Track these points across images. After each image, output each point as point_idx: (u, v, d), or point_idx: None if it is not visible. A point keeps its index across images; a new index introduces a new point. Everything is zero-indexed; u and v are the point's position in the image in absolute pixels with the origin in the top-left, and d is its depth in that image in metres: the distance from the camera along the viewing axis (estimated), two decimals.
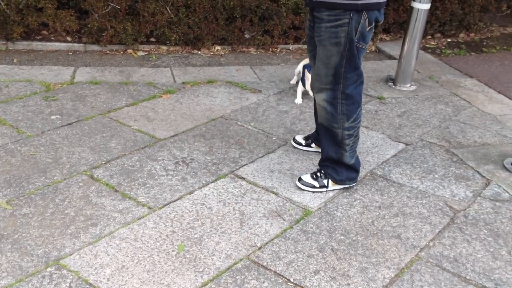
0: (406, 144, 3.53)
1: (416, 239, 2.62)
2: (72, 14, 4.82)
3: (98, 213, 2.67)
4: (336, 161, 2.90)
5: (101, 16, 4.81)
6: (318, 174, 2.96)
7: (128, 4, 4.82)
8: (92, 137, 3.38)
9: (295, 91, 4.20)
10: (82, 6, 4.85)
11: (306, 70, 4.09)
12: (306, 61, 4.29)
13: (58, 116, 3.61)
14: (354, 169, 2.96)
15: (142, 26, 4.93)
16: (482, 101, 4.29)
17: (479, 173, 3.22)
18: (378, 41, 5.67)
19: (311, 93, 4.07)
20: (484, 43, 5.96)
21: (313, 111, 3.82)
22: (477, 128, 3.80)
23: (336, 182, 2.94)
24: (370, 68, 4.87)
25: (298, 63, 4.44)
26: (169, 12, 4.96)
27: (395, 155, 3.39)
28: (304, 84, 4.10)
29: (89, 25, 4.84)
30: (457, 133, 3.71)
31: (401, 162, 3.31)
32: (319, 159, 3.23)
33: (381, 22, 2.77)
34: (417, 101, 4.22)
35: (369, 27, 2.67)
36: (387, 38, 5.80)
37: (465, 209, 2.87)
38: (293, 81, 4.49)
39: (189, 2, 4.94)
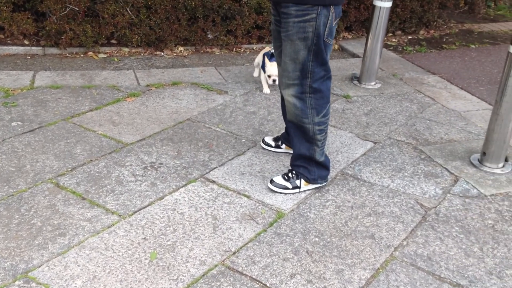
0: (375, 143, 3.55)
1: (389, 238, 2.63)
2: (29, 17, 4.67)
3: (66, 223, 2.59)
4: (308, 158, 2.89)
5: (59, 18, 4.68)
6: (290, 174, 2.94)
7: (87, 5, 4.70)
8: (56, 143, 3.27)
9: (258, 86, 4.18)
10: (39, 8, 4.71)
11: (265, 57, 4.09)
12: (263, 51, 4.29)
13: (19, 123, 3.49)
14: (324, 166, 2.96)
15: (102, 28, 4.82)
16: (446, 97, 4.36)
17: (447, 170, 3.26)
18: (341, 39, 5.70)
19: (270, 81, 4.08)
20: (444, 40, 6.07)
21: (280, 111, 3.80)
22: (443, 125, 3.85)
23: (308, 181, 2.93)
24: (334, 66, 4.89)
25: None
26: (130, 13, 4.86)
27: (364, 154, 3.41)
28: (265, 71, 4.09)
29: (47, 28, 4.70)
30: (424, 130, 3.75)
31: (371, 161, 3.32)
32: (289, 160, 3.22)
33: (339, 17, 2.77)
34: (382, 99, 4.25)
35: (335, 21, 2.67)
36: (350, 36, 5.83)
37: (436, 207, 2.90)
38: (255, 74, 4.48)
39: (149, 3, 4.86)
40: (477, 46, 5.89)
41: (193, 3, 4.91)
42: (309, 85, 2.73)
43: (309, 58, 2.67)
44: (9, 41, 4.85)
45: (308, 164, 2.91)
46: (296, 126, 2.86)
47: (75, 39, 4.76)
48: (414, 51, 5.59)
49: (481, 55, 5.50)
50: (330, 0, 2.57)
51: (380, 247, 2.56)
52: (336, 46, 5.57)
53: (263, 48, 5.30)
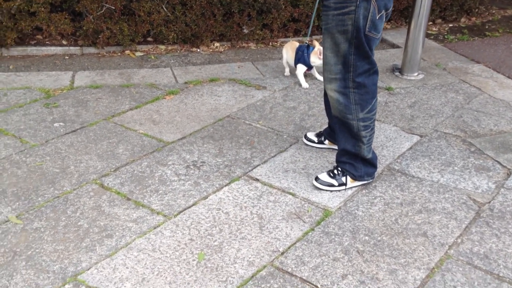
0: (421, 136, 3.44)
1: (443, 236, 2.54)
2: (66, 17, 4.69)
3: (112, 224, 2.57)
4: (354, 155, 2.81)
5: (96, 18, 4.69)
6: (335, 171, 2.87)
7: (122, 4, 4.69)
8: (98, 143, 3.27)
9: (297, 81, 4.12)
10: (75, 8, 4.73)
11: (303, 51, 4.01)
12: (288, 48, 4.21)
13: (61, 124, 3.50)
14: (371, 163, 2.88)
15: (138, 26, 4.81)
16: (493, 87, 4.21)
17: (499, 163, 3.13)
18: None
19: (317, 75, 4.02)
20: (486, 27, 5.88)
21: (322, 105, 3.73)
22: (491, 116, 3.72)
23: (355, 178, 2.86)
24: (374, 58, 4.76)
25: None
26: (165, 10, 4.84)
27: (410, 147, 3.31)
28: (306, 63, 4.01)
29: (84, 28, 4.71)
30: (472, 122, 3.62)
31: (418, 155, 3.22)
32: (333, 156, 3.15)
33: (390, 9, 2.67)
34: (426, 90, 4.13)
35: (379, 15, 2.58)
36: (388, 27, 5.70)
37: (489, 202, 2.79)
38: (286, 73, 4.40)
39: (185, 0, 4.82)
40: None
41: None
42: (352, 79, 2.65)
43: (351, 51, 2.59)
44: (47, 42, 4.89)
45: (354, 160, 2.83)
46: (340, 121, 2.79)
47: (112, 38, 4.77)
48: (456, 40, 5.43)
49: None
50: None
51: (433, 246, 2.47)
52: None
53: (299, 41, 5.22)
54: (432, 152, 3.25)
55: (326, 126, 3.49)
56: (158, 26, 4.86)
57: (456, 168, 3.09)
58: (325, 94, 3.10)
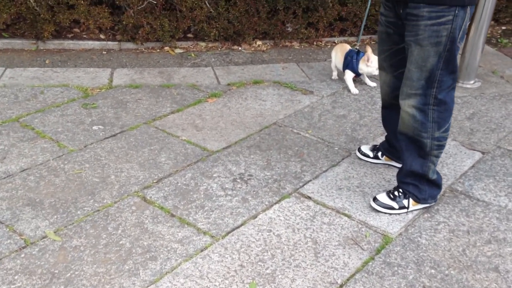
0: (483, 153, 3.19)
1: None
2: (106, 10, 4.52)
3: (156, 244, 2.39)
4: (420, 176, 2.59)
5: (137, 12, 4.51)
6: (396, 193, 2.64)
7: None
8: (139, 150, 3.10)
9: (346, 85, 3.91)
10: (116, 1, 4.55)
11: (352, 57, 3.81)
12: (337, 51, 3.99)
13: (100, 127, 3.33)
14: (437, 184, 2.65)
15: (179, 22, 4.63)
16: None
17: None
18: None
19: (366, 79, 3.81)
20: None
21: (374, 115, 3.50)
22: None
23: (418, 201, 2.63)
24: None
25: None
26: (208, 6, 4.64)
27: (473, 166, 3.06)
28: (354, 70, 3.80)
29: (123, 22, 4.54)
30: None
31: (482, 175, 2.98)
32: (390, 173, 2.93)
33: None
34: (485, 101, 3.86)
35: (469, 23, 2.35)
36: None
37: None
38: (334, 76, 4.18)
39: None
40: None
41: None
42: (434, 96, 2.41)
43: (439, 65, 2.35)
44: (84, 35, 4.73)
45: (419, 182, 2.61)
46: (410, 139, 2.55)
47: (151, 33, 4.59)
48: (510, 44, 5.12)
49: None
50: None
51: (507, 283, 2.24)
52: None
53: (345, 41, 4.98)
54: (497, 172, 3.00)
55: (380, 138, 3.27)
56: (200, 22, 4.66)
57: None
58: (385, 107, 2.88)
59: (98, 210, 2.60)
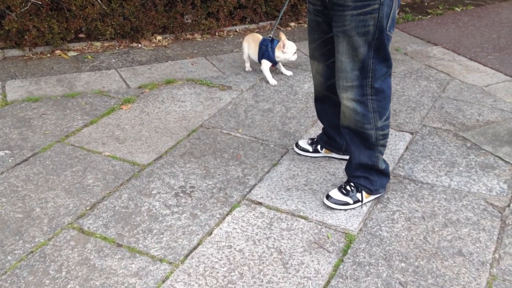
0: (412, 133, 3.24)
1: (479, 252, 2.34)
2: None
3: (110, 282, 2.13)
4: (370, 167, 2.54)
5: (20, 16, 4.04)
6: (348, 187, 2.58)
7: None
8: (60, 174, 2.76)
9: (263, 77, 3.79)
10: None
11: (267, 46, 3.70)
12: (249, 41, 3.88)
13: (7, 151, 2.93)
14: (385, 174, 2.63)
15: (70, 22, 4.22)
16: (460, 71, 4.09)
17: (500, 158, 2.99)
18: None
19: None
20: (426, 4, 5.81)
21: (299, 105, 3.43)
22: (472, 104, 3.59)
23: (370, 193, 2.59)
24: None
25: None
26: (100, 3, 4.27)
27: (406, 148, 3.09)
28: (271, 59, 3.70)
29: (6, 28, 4.04)
30: (456, 113, 3.47)
31: (417, 156, 3.01)
32: (333, 166, 2.88)
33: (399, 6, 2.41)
34: (398, 80, 3.93)
35: (397, 10, 2.31)
36: None
37: (508, 205, 2.64)
38: (247, 68, 4.05)
39: None
40: (461, 9, 5.66)
41: None
42: (371, 86, 2.36)
43: (370, 54, 2.29)
44: None
45: (370, 173, 2.56)
46: (354, 132, 2.49)
47: (39, 37, 4.15)
48: (402, 19, 5.29)
49: (473, 19, 5.27)
50: None
51: (474, 265, 2.27)
52: None
53: (247, 29, 4.86)
54: (430, 152, 3.06)
55: (312, 129, 3.20)
56: (92, 21, 4.29)
57: (461, 168, 2.91)
58: (318, 100, 2.80)
59: (32, 252, 2.26)
